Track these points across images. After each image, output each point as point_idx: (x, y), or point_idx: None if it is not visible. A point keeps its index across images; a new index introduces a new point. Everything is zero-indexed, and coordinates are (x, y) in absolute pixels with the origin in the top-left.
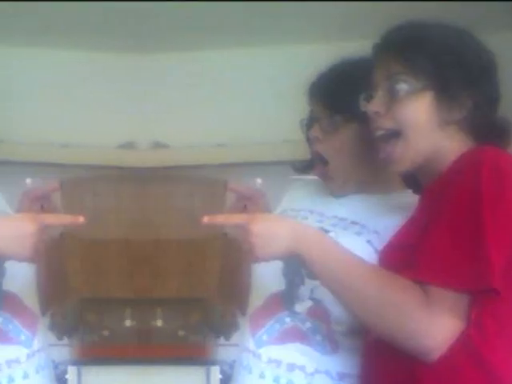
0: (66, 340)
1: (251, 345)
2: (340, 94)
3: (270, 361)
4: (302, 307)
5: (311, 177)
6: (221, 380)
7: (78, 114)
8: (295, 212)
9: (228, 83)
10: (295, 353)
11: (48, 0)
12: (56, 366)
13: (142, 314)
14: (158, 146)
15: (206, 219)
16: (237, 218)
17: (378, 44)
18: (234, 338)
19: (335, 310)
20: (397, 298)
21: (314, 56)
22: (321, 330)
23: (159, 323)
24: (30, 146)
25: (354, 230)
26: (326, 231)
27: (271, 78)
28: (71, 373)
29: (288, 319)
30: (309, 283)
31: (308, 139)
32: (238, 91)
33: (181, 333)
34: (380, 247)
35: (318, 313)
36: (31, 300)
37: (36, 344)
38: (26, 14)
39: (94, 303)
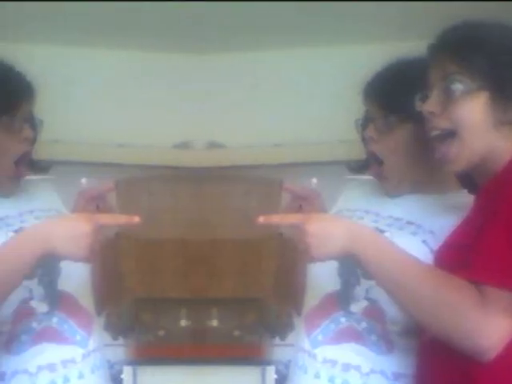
0: (121, 340)
1: (306, 345)
2: (395, 94)
3: (325, 361)
4: (357, 307)
5: (366, 177)
6: (276, 380)
7: (134, 113)
8: (351, 212)
9: (284, 83)
10: (350, 353)
11: (107, 0)
12: (111, 366)
13: (198, 314)
14: (213, 145)
15: (261, 219)
16: (292, 218)
17: (434, 44)
18: (290, 338)
19: (390, 309)
20: (452, 297)
21: (369, 56)
22: (376, 330)
23: (215, 323)
24: (86, 145)
25: (409, 230)
26: (382, 231)
27: (327, 78)
28: (126, 373)
29: (343, 319)
30: (364, 283)
31: (363, 139)
32: (294, 91)
33: (236, 333)
34: (435, 247)
35: (374, 313)
36: (86, 300)
37: (91, 344)
38: (83, 14)
39: (150, 303)
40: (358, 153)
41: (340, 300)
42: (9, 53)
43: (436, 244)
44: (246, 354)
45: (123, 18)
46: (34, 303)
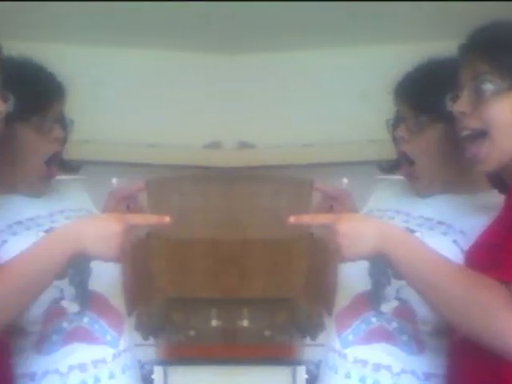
0: (151, 340)
1: (337, 345)
2: (426, 94)
3: (355, 361)
4: (388, 307)
5: (397, 177)
6: (307, 380)
7: (164, 113)
8: (381, 212)
9: (315, 83)
10: (381, 353)
11: (139, 0)
12: (142, 366)
13: (228, 314)
14: (244, 145)
15: (292, 219)
16: (323, 218)
17: (465, 44)
18: (320, 338)
19: (421, 309)
20: (482, 297)
21: (400, 56)
22: (407, 330)
23: (245, 323)
24: (117, 145)
25: (440, 230)
26: (412, 231)
27: (358, 77)
28: (157, 373)
29: (374, 319)
30: (395, 283)
31: (394, 139)
32: (324, 91)
33: (267, 333)
34: (466, 247)
35: (404, 313)
36: (117, 300)
37: (122, 344)
38: (114, 14)
39: (180, 303)
40: (388, 153)
41: (371, 300)
42: (39, 53)
43: (466, 244)
44: (277, 354)
45: (154, 17)
46: (64, 303)
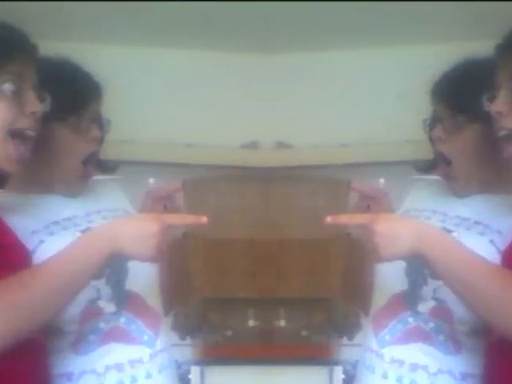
0: (188, 340)
1: (374, 345)
2: (463, 94)
3: (392, 361)
4: (424, 307)
5: (434, 177)
6: (344, 380)
7: (201, 113)
8: (418, 212)
9: (352, 83)
10: (418, 353)
11: (175, 0)
12: (179, 366)
13: (266, 314)
14: (281, 145)
15: (329, 219)
16: (360, 218)
17: (502, 44)
18: (357, 338)
19: (458, 309)
20: None
21: (437, 56)
22: (444, 330)
23: (282, 323)
24: (154, 145)
25: (477, 230)
26: (449, 231)
27: (395, 77)
28: (194, 373)
29: (411, 319)
30: (432, 283)
31: (431, 139)
32: (361, 91)
33: (304, 333)
34: (503, 247)
35: (441, 313)
36: (154, 300)
37: (159, 344)
38: (149, 14)
39: (217, 303)
40: (425, 153)
41: (407, 300)
42: (77, 53)
43: (503, 244)
44: (314, 354)
45: (190, 17)
46: (101, 303)
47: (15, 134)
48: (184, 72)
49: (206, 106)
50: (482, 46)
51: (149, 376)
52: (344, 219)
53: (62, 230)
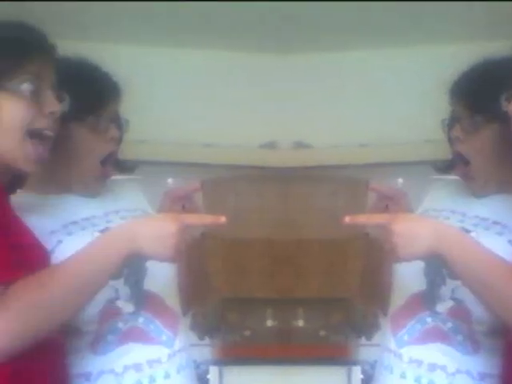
0: (207, 340)
1: (392, 345)
2: (482, 94)
3: (411, 361)
4: (443, 307)
5: (453, 177)
6: (362, 380)
7: (220, 113)
8: (437, 212)
9: (371, 83)
10: (436, 353)
11: (193, 0)
12: (197, 366)
13: (284, 314)
14: (300, 145)
15: (347, 219)
16: (379, 218)
17: None
18: (376, 338)
19: (476, 309)
20: None
21: (456, 56)
22: (462, 330)
23: (301, 323)
24: (173, 145)
25: (495, 230)
26: (468, 231)
27: (414, 77)
28: (213, 373)
29: (429, 319)
30: (450, 283)
31: (450, 139)
32: (380, 91)
33: (322, 333)
34: None
35: (460, 313)
36: (172, 300)
37: (177, 344)
38: (167, 14)
39: (236, 303)
40: (444, 153)
41: (426, 300)
42: (95, 53)
43: None
44: (332, 354)
45: (208, 17)
46: (120, 303)
47: (33, 134)
48: (202, 72)
49: (225, 105)
50: (501, 46)
51: (167, 376)
52: (362, 219)
53: (81, 230)
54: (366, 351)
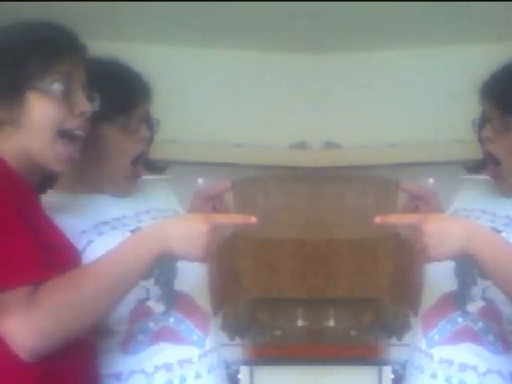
0: (237, 340)
1: (423, 345)
2: None
3: (441, 361)
4: (474, 307)
5: (483, 177)
6: (393, 380)
7: (250, 113)
8: (467, 212)
9: (400, 83)
10: (467, 353)
11: (223, 0)
12: (228, 366)
13: (314, 314)
14: (330, 145)
15: (378, 219)
16: (409, 218)
17: None
18: (406, 338)
19: (507, 309)
20: None
21: (486, 56)
22: (493, 330)
23: (331, 323)
24: (203, 145)
25: None
26: (498, 231)
27: (443, 77)
28: (243, 373)
29: (460, 319)
30: (481, 283)
31: (480, 139)
32: (410, 91)
33: (353, 333)
34: None
35: (490, 313)
36: (203, 300)
37: (208, 344)
38: (197, 14)
39: (266, 303)
40: (474, 153)
41: (457, 300)
42: (126, 53)
43: None
44: (363, 354)
45: (239, 17)
46: (150, 303)
47: (64, 134)
48: (232, 72)
49: (255, 105)
50: None
51: (198, 376)
52: (393, 219)
53: (111, 230)
54: (396, 351)
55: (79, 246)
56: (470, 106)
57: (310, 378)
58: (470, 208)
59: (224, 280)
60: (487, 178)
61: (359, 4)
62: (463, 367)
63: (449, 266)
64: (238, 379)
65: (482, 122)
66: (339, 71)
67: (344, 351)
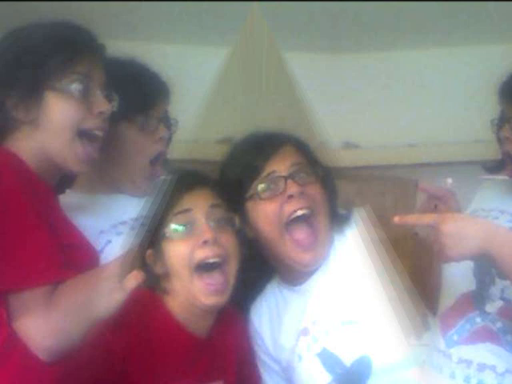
0: None
1: (442, 345)
2: None
3: (460, 361)
4: (492, 307)
5: (502, 177)
6: None
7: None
8: (486, 212)
9: (419, 83)
10: (486, 353)
11: (241, 0)
12: None
13: None
14: (348, 146)
15: (397, 219)
16: (428, 218)
17: None
18: (425, 338)
19: None
20: None
21: (505, 56)
22: None
23: None
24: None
25: None
26: None
27: (462, 77)
28: None
29: (479, 319)
30: (499, 283)
31: (499, 139)
32: (429, 91)
33: None
34: None
35: (509, 313)
36: None
37: None
38: (216, 14)
39: None
40: (493, 153)
41: (475, 300)
42: (144, 53)
43: None
44: None
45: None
46: None
47: (83, 134)
48: None
49: None
50: None
51: None
52: (411, 219)
53: (130, 230)
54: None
55: (98, 246)
56: (489, 106)
57: None
58: (488, 208)
59: None
60: (506, 177)
61: (378, 4)
62: (482, 367)
63: (467, 265)
64: None
65: (501, 122)
66: (358, 71)
67: None
